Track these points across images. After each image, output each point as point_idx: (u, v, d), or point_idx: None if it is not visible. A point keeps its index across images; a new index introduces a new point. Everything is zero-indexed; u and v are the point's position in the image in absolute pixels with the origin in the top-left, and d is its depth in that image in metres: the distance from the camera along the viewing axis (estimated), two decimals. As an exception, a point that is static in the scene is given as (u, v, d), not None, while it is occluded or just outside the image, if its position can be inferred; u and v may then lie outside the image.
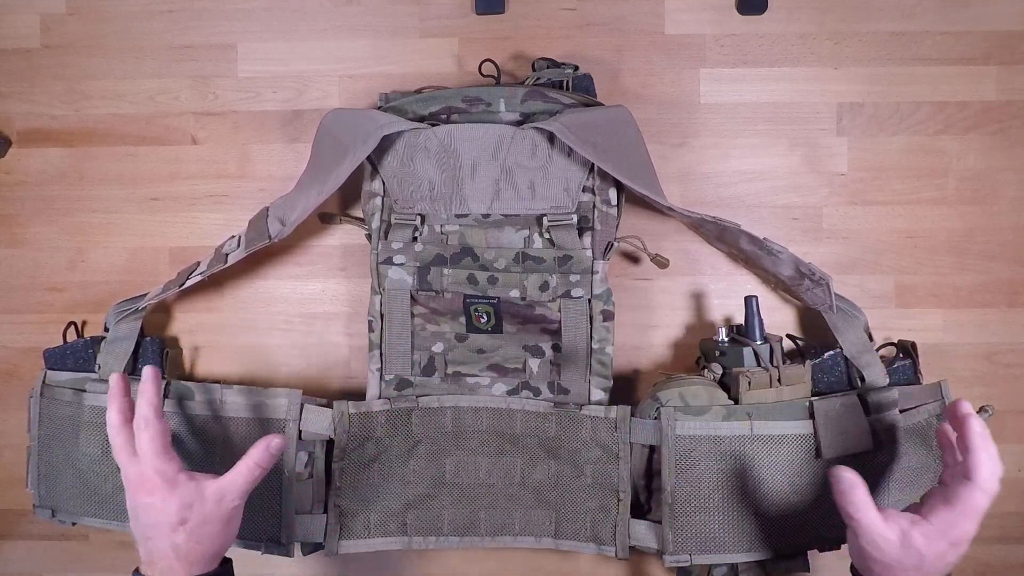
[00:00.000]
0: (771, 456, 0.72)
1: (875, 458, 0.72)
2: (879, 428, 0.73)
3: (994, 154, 0.82)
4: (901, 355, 0.79)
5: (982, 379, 0.82)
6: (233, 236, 0.79)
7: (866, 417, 0.73)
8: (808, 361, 0.75)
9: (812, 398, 0.73)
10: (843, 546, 0.74)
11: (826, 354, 0.76)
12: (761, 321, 0.75)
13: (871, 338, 0.77)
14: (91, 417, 0.76)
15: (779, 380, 0.73)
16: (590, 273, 0.75)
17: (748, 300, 0.76)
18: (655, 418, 0.73)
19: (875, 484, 0.72)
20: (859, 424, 0.72)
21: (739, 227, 0.74)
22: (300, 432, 0.75)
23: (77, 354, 0.78)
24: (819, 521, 0.72)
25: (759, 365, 0.74)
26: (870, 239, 0.83)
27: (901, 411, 0.73)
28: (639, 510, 0.76)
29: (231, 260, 0.76)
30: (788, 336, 0.80)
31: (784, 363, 0.74)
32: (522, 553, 0.83)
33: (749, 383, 0.72)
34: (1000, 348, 0.83)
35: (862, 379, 0.75)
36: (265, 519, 0.74)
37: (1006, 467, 0.79)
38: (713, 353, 0.76)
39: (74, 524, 0.78)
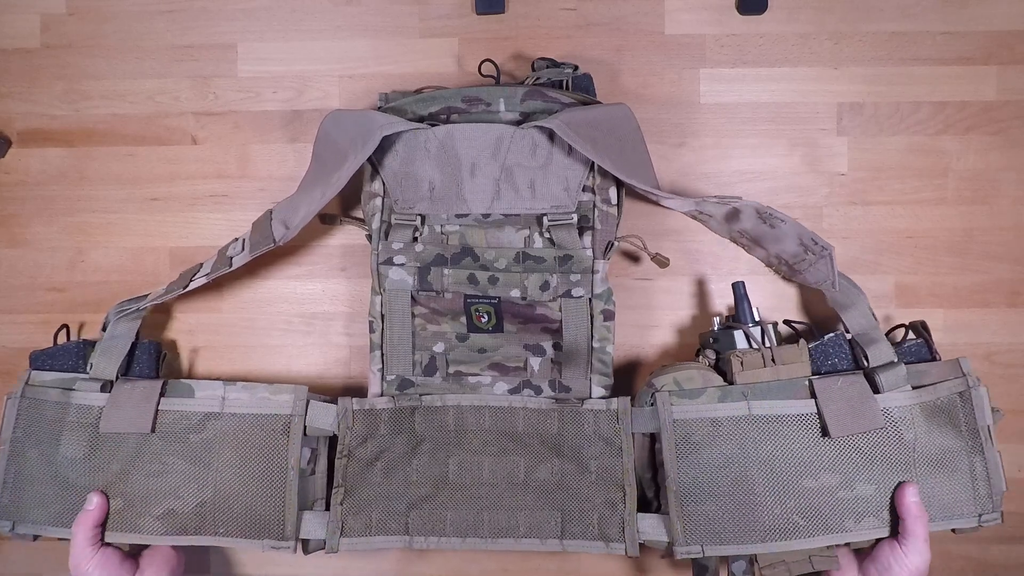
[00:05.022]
0: (774, 437, 0.71)
1: (890, 436, 0.71)
2: (891, 405, 0.71)
3: (994, 154, 0.82)
4: (913, 336, 0.77)
5: (982, 379, 0.81)
6: (237, 239, 0.79)
7: (875, 395, 0.71)
8: (802, 340, 0.74)
9: (812, 377, 0.72)
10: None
11: (826, 336, 0.75)
12: (750, 304, 0.76)
13: (875, 317, 0.75)
14: (77, 417, 0.74)
15: (772, 359, 0.73)
16: (590, 272, 0.75)
17: (735, 286, 0.76)
18: (651, 404, 0.73)
19: (898, 464, 0.71)
20: (867, 402, 0.71)
21: (740, 199, 0.74)
22: (305, 428, 0.75)
23: (68, 355, 0.77)
24: (835, 507, 0.71)
25: (752, 347, 0.74)
26: (870, 239, 0.83)
27: (914, 388, 0.72)
28: (647, 508, 0.76)
29: (236, 263, 0.76)
30: (785, 322, 0.80)
31: (779, 344, 0.74)
32: (523, 552, 0.83)
33: (741, 363, 0.72)
34: (1000, 348, 0.83)
35: (868, 359, 0.73)
36: (268, 515, 0.73)
37: (1007, 466, 0.80)
38: (708, 341, 0.77)
39: (36, 538, 0.75)
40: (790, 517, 0.71)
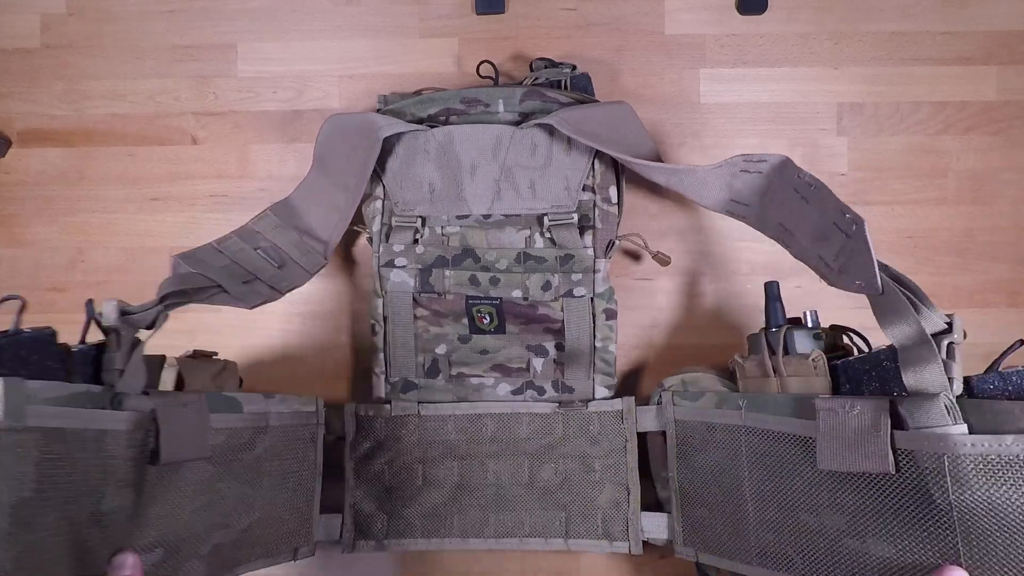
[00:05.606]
0: (768, 456, 0.62)
1: (906, 488, 0.53)
2: (917, 450, 0.51)
3: (994, 154, 0.82)
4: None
5: (982, 379, 0.82)
6: (274, 255, 0.70)
7: (892, 430, 0.52)
8: (819, 352, 0.63)
9: (821, 395, 0.59)
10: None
11: (874, 351, 0.61)
12: (780, 307, 0.70)
13: (950, 327, 0.54)
14: (125, 451, 0.51)
15: (773, 370, 0.65)
16: (592, 272, 0.75)
17: (767, 286, 0.71)
18: (658, 403, 0.73)
19: (925, 529, 0.52)
20: (876, 437, 0.53)
21: (767, 157, 0.65)
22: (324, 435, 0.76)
23: (50, 356, 0.53)
24: (841, 557, 0.58)
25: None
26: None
27: (974, 431, 0.49)
28: (661, 508, 0.76)
29: (299, 281, 0.71)
30: (832, 327, 0.69)
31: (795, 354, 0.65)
32: (525, 552, 0.83)
33: (743, 371, 0.69)
34: (1000, 348, 0.83)
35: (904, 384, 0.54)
36: (295, 524, 0.73)
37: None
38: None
39: None
40: (784, 549, 0.62)
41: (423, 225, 0.76)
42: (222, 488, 0.63)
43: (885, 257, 0.83)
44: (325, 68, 0.84)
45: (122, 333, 0.55)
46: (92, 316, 0.55)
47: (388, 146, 0.75)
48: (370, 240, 0.76)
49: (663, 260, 0.77)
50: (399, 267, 0.75)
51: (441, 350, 0.77)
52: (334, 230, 0.74)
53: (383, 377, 0.77)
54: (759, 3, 0.81)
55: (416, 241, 0.75)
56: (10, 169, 0.84)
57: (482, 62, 0.79)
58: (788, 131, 0.83)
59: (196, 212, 0.84)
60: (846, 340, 0.69)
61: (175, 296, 0.60)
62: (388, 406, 0.77)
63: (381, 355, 0.77)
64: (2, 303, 0.54)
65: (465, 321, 0.76)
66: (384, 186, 0.76)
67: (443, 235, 0.76)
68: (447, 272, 0.75)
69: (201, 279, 0.63)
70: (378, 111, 0.77)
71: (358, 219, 0.79)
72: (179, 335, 0.84)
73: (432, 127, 0.75)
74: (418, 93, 0.78)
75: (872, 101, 0.83)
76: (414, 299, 0.76)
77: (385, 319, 0.76)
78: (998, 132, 0.82)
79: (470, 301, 0.75)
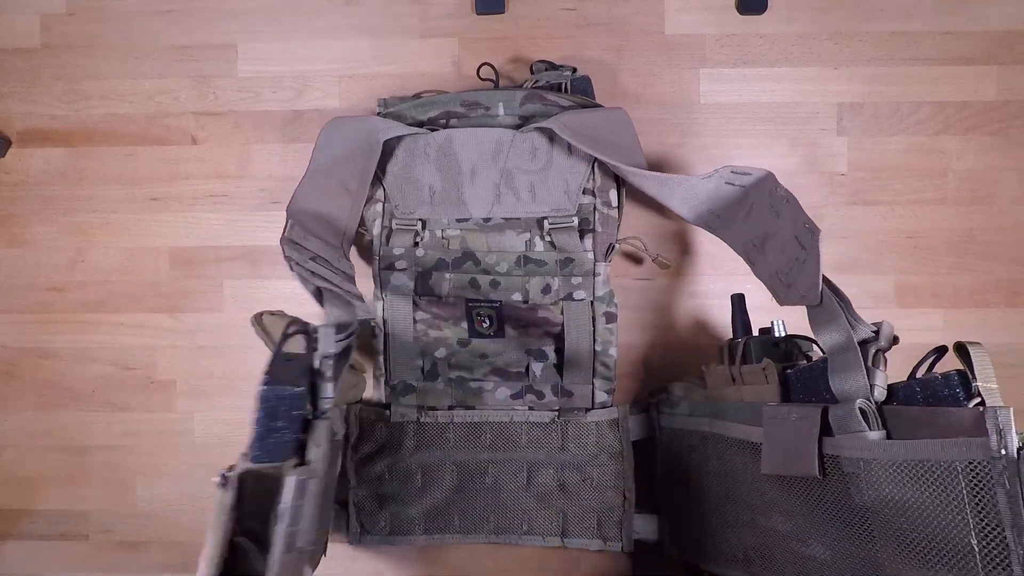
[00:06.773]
0: (729, 461, 0.64)
1: (832, 493, 0.54)
2: (841, 455, 0.52)
3: (994, 154, 0.82)
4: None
5: (982, 379, 0.82)
6: (303, 256, 0.69)
7: (819, 437, 0.54)
8: (768, 361, 0.62)
9: (769, 403, 0.59)
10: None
11: (815, 361, 0.60)
12: (744, 318, 0.71)
13: (877, 335, 0.54)
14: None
15: (732, 378, 0.65)
16: (592, 275, 0.75)
17: (733, 298, 0.73)
18: (645, 411, 0.75)
19: (853, 532, 0.53)
20: (807, 443, 0.54)
21: (751, 173, 0.65)
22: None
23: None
24: (790, 559, 0.59)
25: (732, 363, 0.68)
26: (870, 239, 0.83)
27: (893, 437, 0.50)
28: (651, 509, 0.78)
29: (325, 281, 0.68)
30: (790, 336, 0.67)
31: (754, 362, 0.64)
32: (523, 552, 0.83)
33: (710, 379, 0.70)
34: (1000, 348, 0.83)
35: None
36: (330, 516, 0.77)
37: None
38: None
39: None
40: (746, 551, 0.64)
41: (423, 228, 0.76)
42: None
43: (885, 257, 0.83)
44: (325, 68, 0.84)
45: None
46: None
47: (388, 149, 0.75)
48: (370, 243, 0.76)
49: (663, 264, 0.77)
50: (399, 270, 0.75)
51: (441, 353, 0.77)
52: (344, 234, 0.74)
53: (383, 380, 0.77)
54: (759, 3, 0.81)
55: (416, 244, 0.75)
56: (10, 169, 0.84)
57: (482, 64, 0.79)
58: (788, 131, 0.83)
59: (196, 212, 0.84)
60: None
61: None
62: (388, 411, 0.77)
63: (381, 358, 0.77)
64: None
65: (464, 324, 0.76)
66: (384, 189, 0.76)
67: (443, 238, 0.76)
68: (447, 275, 0.75)
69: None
70: (378, 114, 0.77)
71: (359, 222, 0.79)
72: (180, 334, 0.84)
73: (432, 130, 0.75)
74: (418, 96, 0.78)
75: (872, 101, 0.82)
76: (414, 302, 0.76)
77: (385, 322, 0.76)
78: (998, 132, 0.82)
79: (470, 304, 0.75)
